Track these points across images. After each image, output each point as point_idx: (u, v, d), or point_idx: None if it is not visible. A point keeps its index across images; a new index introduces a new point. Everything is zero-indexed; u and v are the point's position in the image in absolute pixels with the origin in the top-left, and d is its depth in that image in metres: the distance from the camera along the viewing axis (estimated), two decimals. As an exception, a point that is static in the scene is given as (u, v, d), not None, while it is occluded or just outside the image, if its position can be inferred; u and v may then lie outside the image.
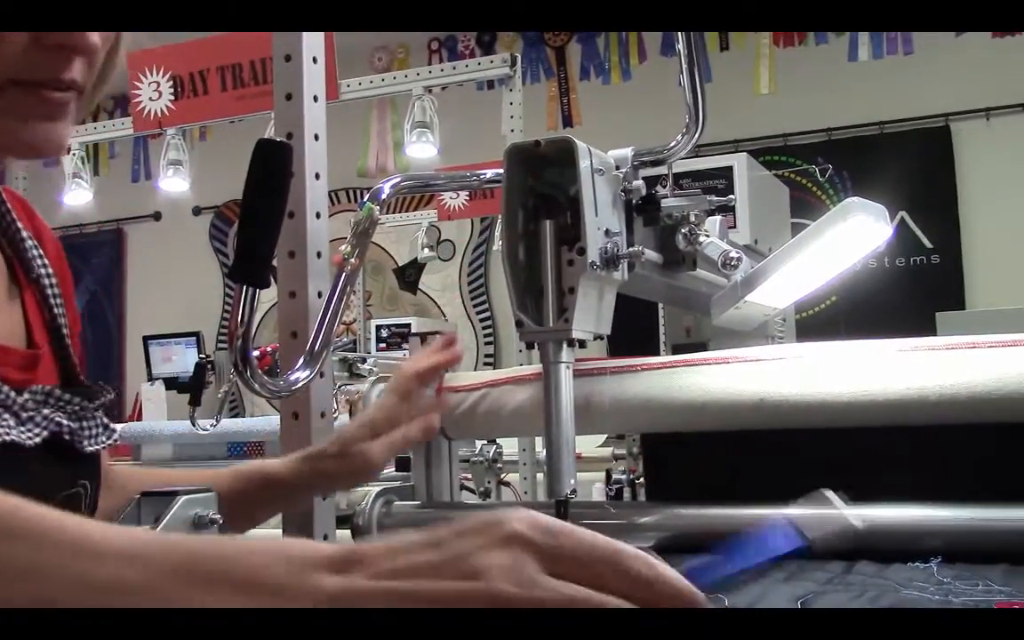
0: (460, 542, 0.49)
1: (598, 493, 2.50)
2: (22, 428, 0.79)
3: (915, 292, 4.95)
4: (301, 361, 1.07)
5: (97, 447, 0.86)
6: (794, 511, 1.09)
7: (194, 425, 2.38)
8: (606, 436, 2.67)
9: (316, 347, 1.08)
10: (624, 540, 1.15)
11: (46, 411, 0.81)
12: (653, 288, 1.32)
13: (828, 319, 4.68)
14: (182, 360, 5.62)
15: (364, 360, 2.74)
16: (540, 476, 2.65)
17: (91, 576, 0.46)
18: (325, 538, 1.18)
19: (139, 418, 4.71)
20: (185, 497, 0.80)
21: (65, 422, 0.82)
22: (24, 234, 0.89)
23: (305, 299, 1.16)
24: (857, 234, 1.27)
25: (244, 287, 0.95)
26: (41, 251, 0.91)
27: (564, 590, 0.48)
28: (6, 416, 0.78)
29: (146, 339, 5.94)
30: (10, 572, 0.46)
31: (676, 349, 1.73)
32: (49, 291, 0.89)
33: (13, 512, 0.48)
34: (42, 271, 0.89)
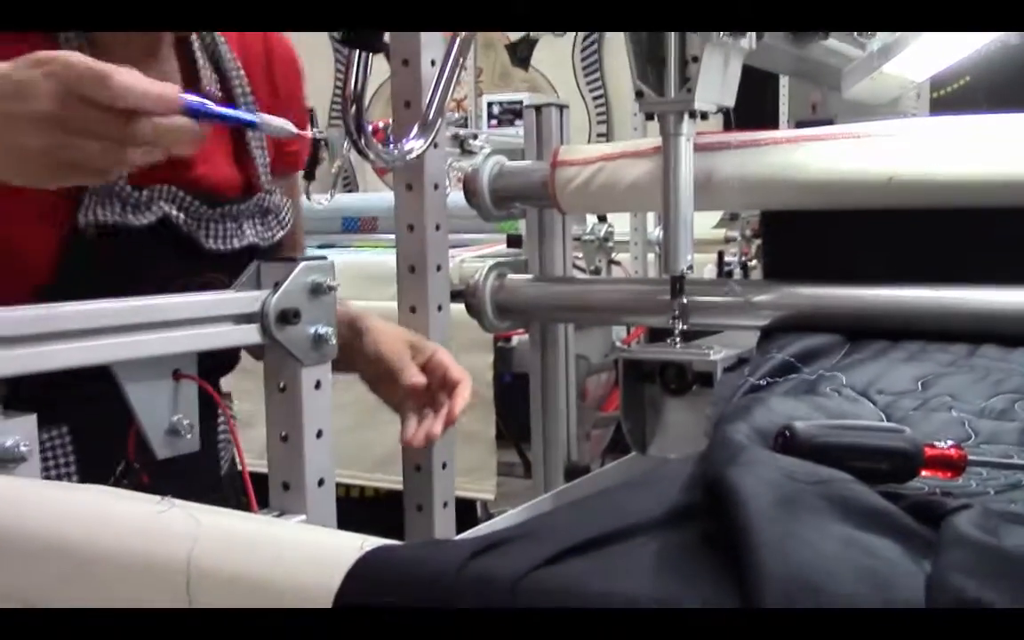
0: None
1: (709, 275, 2.47)
2: (131, 214, 0.84)
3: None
4: (415, 130, 1.06)
5: (220, 247, 0.91)
6: (910, 292, 1.05)
7: (309, 199, 2.42)
8: (719, 218, 2.62)
9: (430, 116, 1.06)
10: (741, 318, 1.15)
11: (161, 203, 0.86)
12: (780, 59, 1.25)
13: (964, 98, 4.40)
14: (297, 136, 5.68)
15: (475, 137, 2.71)
16: (651, 257, 2.63)
17: None
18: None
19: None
20: (304, 263, 0.81)
21: (176, 213, 0.87)
22: (229, 56, 0.98)
23: (418, 67, 1.13)
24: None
25: (357, 52, 0.93)
26: (238, 65, 0.99)
27: None
28: (116, 203, 0.82)
29: (261, 115, 6.00)
30: None
31: (800, 125, 1.66)
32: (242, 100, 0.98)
33: None
34: (235, 84, 0.98)
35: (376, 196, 3.26)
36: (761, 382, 0.92)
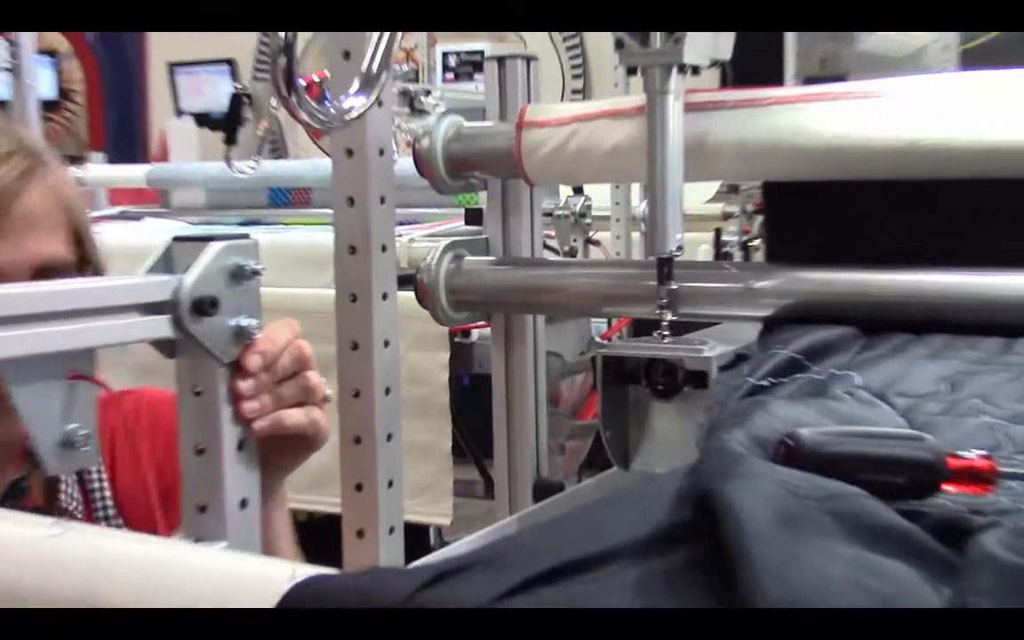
0: None
1: (704, 257, 2.50)
2: None
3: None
4: (356, 85, 1.06)
5: None
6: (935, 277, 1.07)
7: (230, 167, 2.41)
8: (716, 190, 2.64)
9: (374, 69, 1.06)
10: (740, 307, 1.16)
11: None
12: (785, 3, 1.26)
13: (998, 50, 4.46)
14: (214, 93, 5.63)
15: (428, 93, 2.70)
16: (636, 235, 2.65)
17: None
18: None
19: (165, 159, 4.78)
20: (224, 243, 0.81)
21: None
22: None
23: (359, 11, 1.13)
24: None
25: (286, -7, 0.93)
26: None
27: None
28: None
29: (172, 66, 5.95)
30: None
31: (808, 82, 1.67)
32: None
33: None
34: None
35: (309, 163, 3.26)
36: (763, 383, 0.93)
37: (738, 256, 2.33)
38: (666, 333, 1.15)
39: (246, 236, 0.82)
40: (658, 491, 0.62)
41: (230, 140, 2.56)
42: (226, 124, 2.62)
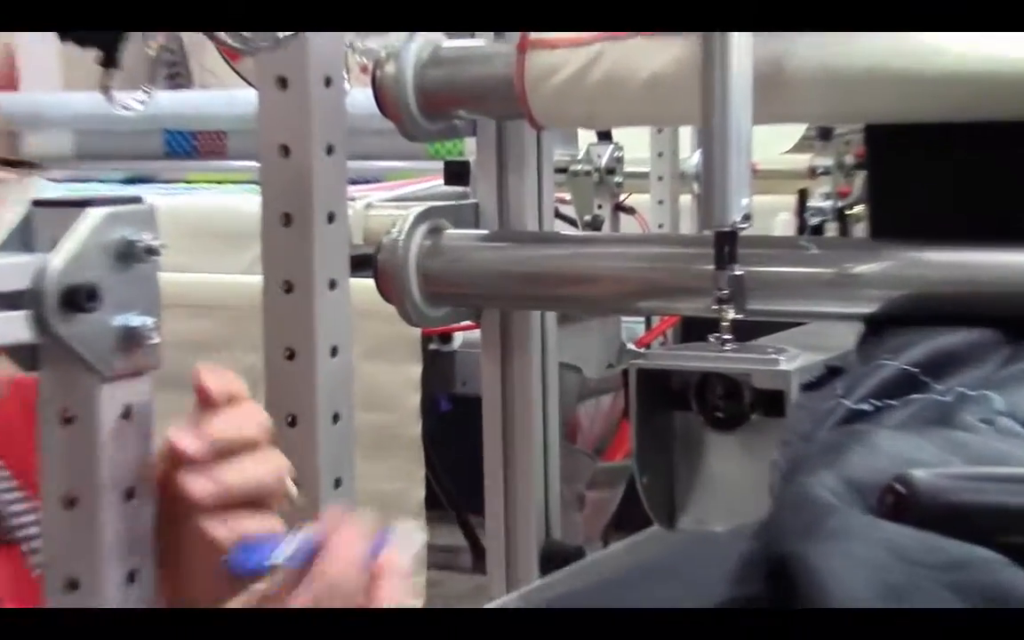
0: None
1: (783, 230, 2.50)
2: None
3: None
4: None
5: None
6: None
7: (110, 99, 2.41)
8: (802, 133, 2.65)
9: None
10: (832, 301, 1.17)
11: None
12: None
13: None
14: (87, -5, 5.63)
15: None
16: (685, 200, 2.65)
17: None
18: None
19: (15, 88, 4.76)
20: (104, 212, 0.82)
21: None
22: None
23: None
24: None
25: None
26: None
27: None
28: None
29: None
30: None
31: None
32: None
33: None
34: None
35: (224, 97, 3.24)
36: (864, 407, 0.94)
37: (831, 230, 2.33)
38: (727, 338, 1.16)
39: (138, 199, 0.83)
40: (715, 557, 0.63)
41: (109, 61, 2.56)
42: (103, 41, 2.63)
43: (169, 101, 3.00)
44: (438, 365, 1.97)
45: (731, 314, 1.15)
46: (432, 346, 1.96)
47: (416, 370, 1.90)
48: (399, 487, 1.90)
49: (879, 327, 1.13)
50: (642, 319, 1.81)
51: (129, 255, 0.82)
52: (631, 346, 1.67)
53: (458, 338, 1.98)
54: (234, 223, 2.06)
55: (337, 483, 1.21)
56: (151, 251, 0.82)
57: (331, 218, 1.22)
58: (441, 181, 2.24)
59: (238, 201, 2.21)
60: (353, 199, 1.67)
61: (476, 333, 1.56)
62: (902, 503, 0.65)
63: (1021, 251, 1.11)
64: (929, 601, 0.53)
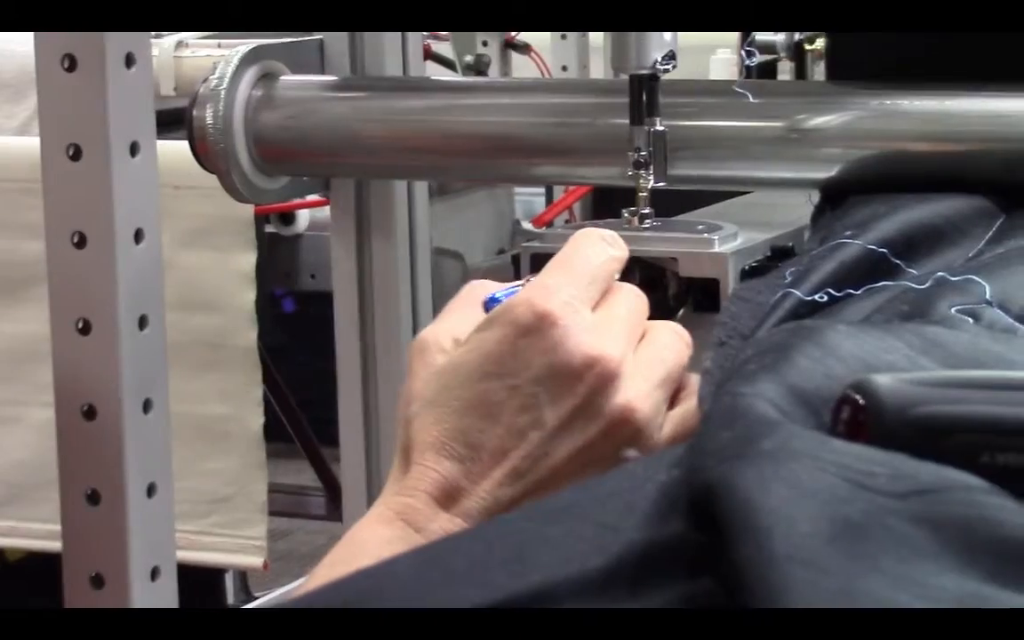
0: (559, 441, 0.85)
1: (721, 69, 2.51)
2: None
3: None
4: None
5: None
6: None
7: None
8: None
9: None
10: (779, 162, 1.18)
11: None
12: None
13: None
14: None
15: None
16: (597, 36, 2.66)
17: None
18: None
19: None
20: None
21: None
22: None
23: None
24: None
25: None
26: None
27: None
28: None
29: None
30: None
31: None
32: None
33: None
34: None
35: None
36: (818, 298, 0.95)
37: (785, 72, 2.34)
38: (647, 213, 1.17)
39: None
40: (629, 488, 0.63)
41: None
42: None
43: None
44: (278, 253, 1.96)
45: (651, 181, 1.16)
46: (269, 229, 1.94)
47: (249, 260, 1.88)
48: (229, 411, 1.89)
49: (838, 196, 1.14)
50: (541, 190, 1.82)
51: None
52: (527, 225, 1.68)
53: (303, 218, 1.97)
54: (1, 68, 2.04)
55: (146, 406, 1.20)
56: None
57: (129, 61, 1.22)
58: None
59: (6, 38, 2.18)
60: (160, 37, 1.66)
61: (325, 211, 1.56)
62: (861, 417, 0.66)
63: (1018, 95, 1.13)
64: (893, 538, 0.54)
